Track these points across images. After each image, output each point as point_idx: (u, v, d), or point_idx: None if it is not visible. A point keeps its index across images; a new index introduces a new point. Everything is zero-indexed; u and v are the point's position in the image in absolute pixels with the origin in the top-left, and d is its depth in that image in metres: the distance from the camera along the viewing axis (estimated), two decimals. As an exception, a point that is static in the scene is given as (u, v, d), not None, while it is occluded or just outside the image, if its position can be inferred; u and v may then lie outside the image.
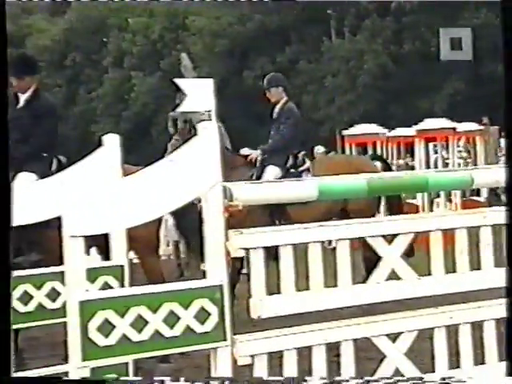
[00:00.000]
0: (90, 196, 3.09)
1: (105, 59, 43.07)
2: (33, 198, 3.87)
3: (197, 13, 39.85)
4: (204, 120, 14.34)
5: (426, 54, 31.09)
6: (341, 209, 6.31)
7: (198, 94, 3.23)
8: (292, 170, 6.63)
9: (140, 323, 3.00)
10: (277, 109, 6.85)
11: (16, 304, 3.78)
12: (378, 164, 6.99)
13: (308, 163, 6.81)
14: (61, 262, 5.38)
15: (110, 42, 43.25)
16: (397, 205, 6.63)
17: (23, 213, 3.84)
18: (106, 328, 2.94)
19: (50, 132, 5.38)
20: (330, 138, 31.91)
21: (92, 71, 43.50)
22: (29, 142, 5.27)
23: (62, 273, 3.97)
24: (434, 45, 28.33)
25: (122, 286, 3.94)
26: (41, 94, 5.58)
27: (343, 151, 13.64)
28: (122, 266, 3.97)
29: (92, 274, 3.87)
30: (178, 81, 3.24)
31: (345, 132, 13.51)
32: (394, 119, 25.30)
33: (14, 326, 3.69)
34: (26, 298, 3.81)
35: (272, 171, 6.53)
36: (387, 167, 7.24)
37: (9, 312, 3.07)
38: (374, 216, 6.20)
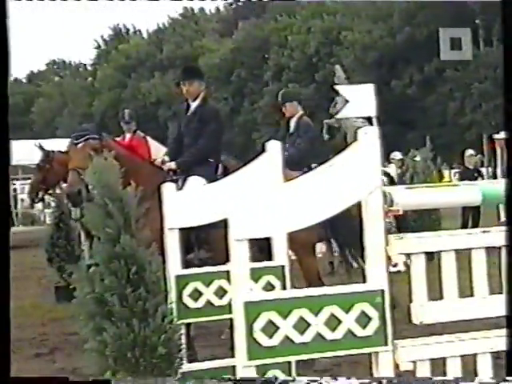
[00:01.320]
0: (254, 200, 2.93)
1: (265, 74, 43.69)
2: (202, 201, 3.78)
3: (349, 28, 39.43)
4: (359, 127, 13.91)
5: None
6: None
7: (360, 99, 2.97)
8: None
9: (302, 325, 2.79)
10: (293, 123, 6.36)
11: (187, 300, 3.70)
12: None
13: None
14: (227, 261, 5.33)
15: (270, 58, 43.84)
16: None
17: (193, 214, 3.76)
18: (270, 329, 2.76)
19: (216, 138, 5.33)
20: (476, 142, 30.38)
21: (254, 85, 44.30)
22: (197, 146, 5.24)
23: (228, 272, 3.86)
24: None
25: (284, 285, 3.75)
26: (209, 102, 5.56)
27: (494, 154, 12.83)
28: (283, 266, 3.79)
29: (256, 274, 3.73)
30: (339, 87, 3.00)
31: (495, 136, 12.68)
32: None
33: (185, 321, 3.61)
34: (196, 294, 3.71)
35: None
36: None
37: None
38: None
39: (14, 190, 25.96)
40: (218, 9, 53.17)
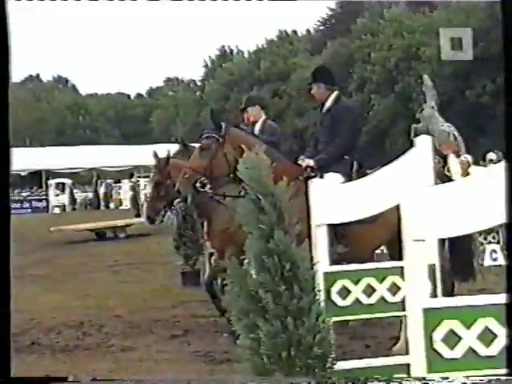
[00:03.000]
0: (425, 200, 2.30)
1: (350, 86, 42.66)
2: (348, 198, 3.18)
3: (428, 44, 37.82)
4: (444, 130, 12.47)
5: None
6: None
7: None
8: None
9: (487, 336, 2.15)
10: (257, 127, 5.66)
11: (335, 298, 3.11)
12: None
13: None
14: (364, 256, 4.68)
15: (354, 72, 42.84)
16: None
17: (341, 211, 3.17)
18: (452, 339, 2.14)
19: (351, 136, 4.70)
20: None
21: (340, 96, 43.32)
22: (334, 144, 4.64)
23: (376, 269, 3.25)
24: None
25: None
26: (342, 101, 4.94)
27: None
28: (401, 267, 3.12)
29: (381, 274, 3.13)
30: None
31: None
32: None
33: (334, 319, 3.02)
34: (344, 292, 3.12)
35: None
36: None
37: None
38: None
39: (138, 185, 26.37)
40: (308, 31, 52.48)
